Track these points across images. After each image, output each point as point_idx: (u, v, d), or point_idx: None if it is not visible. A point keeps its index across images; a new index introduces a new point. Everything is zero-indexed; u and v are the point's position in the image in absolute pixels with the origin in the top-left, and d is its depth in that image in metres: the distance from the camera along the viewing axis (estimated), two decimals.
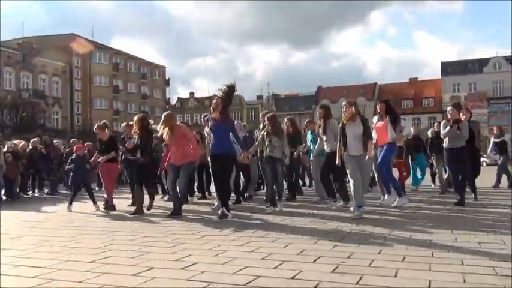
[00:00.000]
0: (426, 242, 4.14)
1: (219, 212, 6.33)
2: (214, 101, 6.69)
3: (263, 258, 3.62)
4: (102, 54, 52.43)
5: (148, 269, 3.36)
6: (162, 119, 7.12)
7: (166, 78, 62.77)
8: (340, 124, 6.46)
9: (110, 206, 7.73)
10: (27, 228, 5.97)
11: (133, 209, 7.41)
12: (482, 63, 57.03)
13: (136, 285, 2.96)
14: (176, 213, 6.59)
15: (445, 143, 7.42)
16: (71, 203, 7.96)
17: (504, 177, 10.96)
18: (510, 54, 55.26)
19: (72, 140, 14.72)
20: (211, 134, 6.68)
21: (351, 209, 6.19)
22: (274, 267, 3.32)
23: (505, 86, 54.58)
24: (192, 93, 71.03)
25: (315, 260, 3.50)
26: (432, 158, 10.46)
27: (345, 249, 3.90)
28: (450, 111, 7.40)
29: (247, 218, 6.28)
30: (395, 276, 3.01)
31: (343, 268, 3.23)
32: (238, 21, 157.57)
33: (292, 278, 3.03)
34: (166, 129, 7.01)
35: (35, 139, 12.95)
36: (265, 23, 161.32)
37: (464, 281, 2.86)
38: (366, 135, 6.26)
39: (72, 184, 8.33)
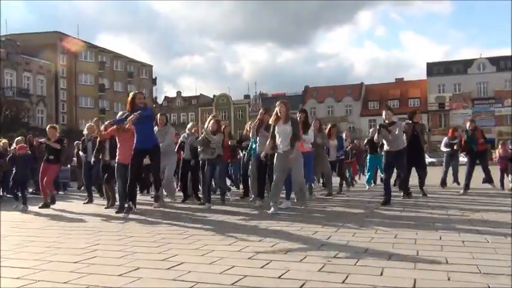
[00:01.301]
0: (411, 240, 4.18)
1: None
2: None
3: (250, 258, 3.62)
4: (88, 53, 51.83)
5: (135, 269, 3.34)
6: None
7: (153, 77, 62.38)
8: (272, 123, 6.71)
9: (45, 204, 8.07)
10: (10, 228, 5.88)
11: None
12: (466, 64, 57.74)
13: (122, 286, 2.94)
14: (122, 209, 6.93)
15: (385, 146, 7.80)
16: (25, 203, 8.15)
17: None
18: (494, 56, 56.31)
19: None
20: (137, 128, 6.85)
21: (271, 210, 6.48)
22: (261, 267, 3.32)
23: (489, 87, 55.42)
24: (179, 93, 70.71)
25: (301, 259, 3.51)
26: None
27: (331, 248, 3.92)
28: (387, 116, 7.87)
29: (233, 217, 6.28)
30: (381, 274, 3.04)
31: (330, 267, 3.25)
32: (225, 20, 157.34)
33: (279, 277, 3.04)
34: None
35: (19, 138, 12.74)
36: (253, 21, 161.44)
37: (449, 279, 2.90)
38: (295, 135, 6.54)
39: (14, 185, 8.52)
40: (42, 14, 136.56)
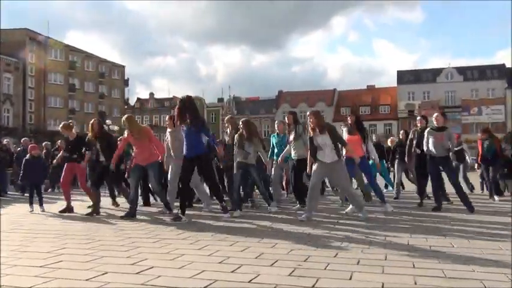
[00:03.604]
0: (380, 245, 4.26)
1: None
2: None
3: (221, 262, 3.61)
4: (58, 51, 50.61)
5: (103, 274, 3.28)
6: (128, 123, 6.99)
7: (125, 78, 61.45)
8: (308, 135, 6.39)
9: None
10: None
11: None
12: (435, 73, 59.54)
13: None
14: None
15: (430, 151, 7.30)
16: (31, 204, 7.85)
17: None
18: (462, 66, 58.25)
19: (23, 139, 14.18)
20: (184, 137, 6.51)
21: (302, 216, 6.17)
22: (232, 271, 3.32)
23: (457, 95, 57.21)
24: (151, 94, 69.95)
25: (272, 264, 3.52)
26: (392, 165, 10.74)
27: (302, 252, 3.95)
28: (437, 117, 7.36)
29: (204, 221, 6.24)
30: (350, 279, 3.08)
31: (300, 271, 3.27)
32: (198, 20, 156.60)
33: (250, 281, 3.04)
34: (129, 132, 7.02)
35: None
36: (226, 22, 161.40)
37: (415, 283, 2.97)
38: (341, 143, 6.30)
39: (27, 185, 8.15)
40: (10, 11, 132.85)
